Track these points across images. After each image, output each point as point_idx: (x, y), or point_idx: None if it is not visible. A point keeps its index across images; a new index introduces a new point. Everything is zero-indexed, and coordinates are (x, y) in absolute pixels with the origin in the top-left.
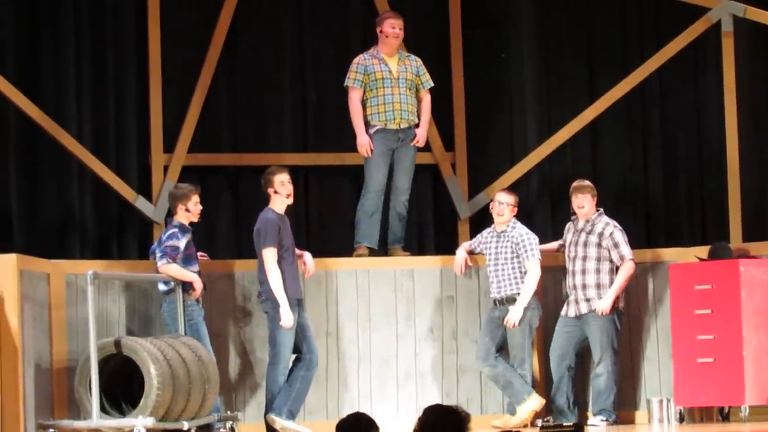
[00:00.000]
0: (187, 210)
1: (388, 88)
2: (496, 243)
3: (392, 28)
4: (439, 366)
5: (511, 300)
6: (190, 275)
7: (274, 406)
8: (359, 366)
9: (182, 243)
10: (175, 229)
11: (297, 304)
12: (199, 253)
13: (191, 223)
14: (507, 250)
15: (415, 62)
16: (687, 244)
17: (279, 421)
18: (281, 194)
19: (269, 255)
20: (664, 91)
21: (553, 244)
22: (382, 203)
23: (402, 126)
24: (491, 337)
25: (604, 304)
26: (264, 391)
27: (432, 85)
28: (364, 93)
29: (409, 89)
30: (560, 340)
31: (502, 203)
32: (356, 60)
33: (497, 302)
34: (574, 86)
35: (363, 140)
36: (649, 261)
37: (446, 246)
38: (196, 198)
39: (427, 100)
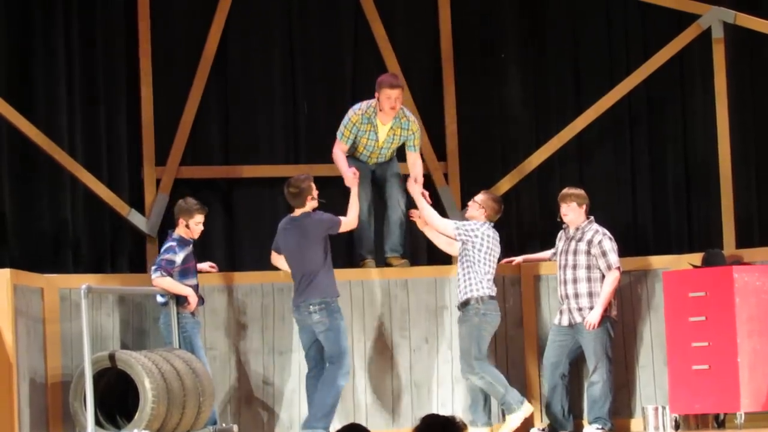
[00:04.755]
0: (187, 226)
1: (368, 150)
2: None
3: (387, 98)
4: (434, 376)
5: (463, 305)
6: (184, 289)
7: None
8: (354, 377)
9: (179, 257)
10: (173, 243)
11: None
12: (209, 264)
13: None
14: (463, 254)
15: (407, 131)
16: (675, 253)
17: None
18: (315, 201)
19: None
20: (653, 100)
21: (546, 253)
22: (374, 214)
23: (378, 161)
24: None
25: (592, 317)
26: (258, 403)
27: (419, 149)
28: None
29: (391, 152)
30: (553, 349)
31: (472, 200)
32: (353, 119)
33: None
34: (563, 96)
35: (348, 173)
36: (643, 269)
37: (439, 256)
38: (199, 218)
39: (417, 165)
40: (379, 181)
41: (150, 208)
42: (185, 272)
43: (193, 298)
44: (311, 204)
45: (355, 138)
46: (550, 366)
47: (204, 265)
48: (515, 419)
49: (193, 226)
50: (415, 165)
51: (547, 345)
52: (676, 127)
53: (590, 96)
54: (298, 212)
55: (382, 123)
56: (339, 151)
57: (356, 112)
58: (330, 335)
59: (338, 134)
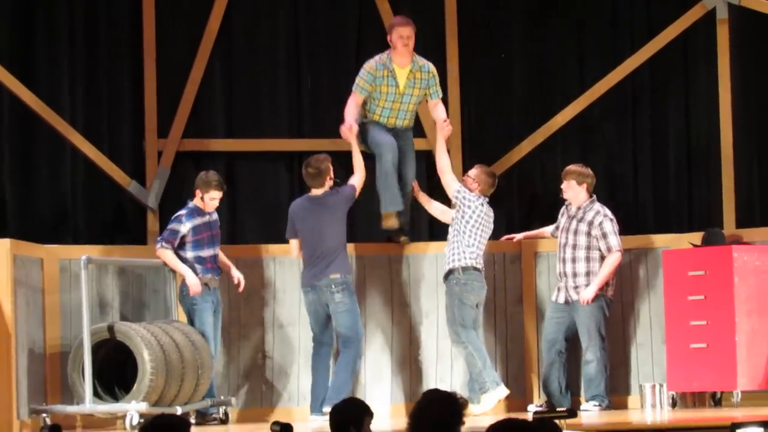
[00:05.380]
0: (202, 199)
1: (389, 102)
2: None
3: (400, 37)
4: (433, 351)
5: (445, 276)
6: (181, 268)
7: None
8: None
9: (185, 227)
10: (183, 212)
11: None
12: (237, 279)
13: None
14: (452, 224)
15: (427, 74)
16: (675, 232)
17: None
18: (332, 181)
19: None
20: (656, 80)
21: (547, 229)
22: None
23: (397, 126)
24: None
25: (587, 293)
26: (257, 376)
27: (441, 95)
28: (367, 98)
29: (413, 104)
30: (551, 326)
31: (466, 175)
32: (367, 67)
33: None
34: (567, 75)
35: (346, 124)
36: (643, 247)
37: (440, 231)
38: (215, 194)
39: (439, 109)
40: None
41: (151, 181)
42: (198, 243)
43: (190, 280)
44: (329, 184)
45: (374, 91)
46: (547, 343)
47: (234, 276)
48: (489, 400)
49: (207, 200)
50: (437, 108)
51: (545, 322)
52: (679, 106)
53: (594, 75)
54: (317, 192)
55: (399, 66)
56: (352, 103)
57: (370, 62)
58: (348, 317)
59: (353, 87)
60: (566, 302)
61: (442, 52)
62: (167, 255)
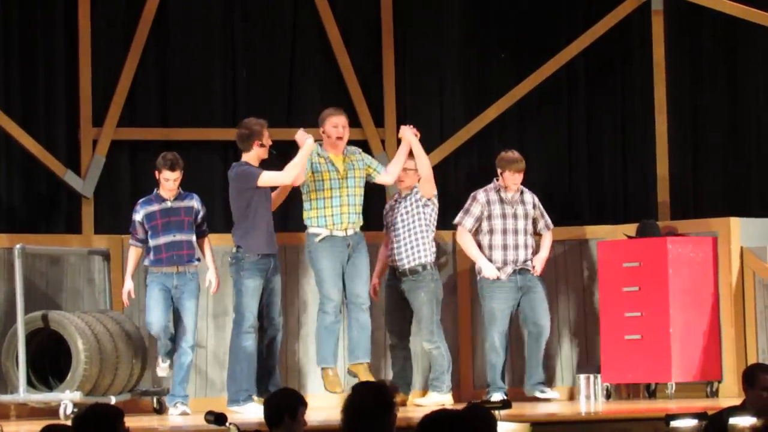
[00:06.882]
0: (158, 180)
1: (336, 190)
2: (400, 209)
3: (335, 127)
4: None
5: (414, 271)
6: (126, 276)
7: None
8: (287, 342)
9: (140, 215)
10: (140, 200)
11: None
12: (214, 282)
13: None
14: (409, 217)
15: (360, 155)
16: (610, 223)
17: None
18: (265, 150)
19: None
20: (592, 70)
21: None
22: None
23: (349, 233)
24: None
25: (542, 264)
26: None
27: (384, 169)
28: (309, 193)
29: (359, 187)
30: (503, 318)
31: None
32: None
33: (403, 273)
34: (502, 66)
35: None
36: (578, 238)
37: (374, 221)
38: (167, 174)
39: (390, 173)
40: (345, 274)
41: (86, 170)
42: (153, 230)
43: (125, 286)
44: (258, 151)
45: (315, 182)
46: (506, 335)
47: (209, 277)
48: (436, 399)
49: (162, 181)
50: (390, 175)
51: (497, 315)
52: (615, 97)
53: (530, 65)
54: (242, 158)
55: (334, 154)
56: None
57: None
58: (235, 292)
59: None
60: (517, 287)
61: (377, 41)
62: (130, 253)
